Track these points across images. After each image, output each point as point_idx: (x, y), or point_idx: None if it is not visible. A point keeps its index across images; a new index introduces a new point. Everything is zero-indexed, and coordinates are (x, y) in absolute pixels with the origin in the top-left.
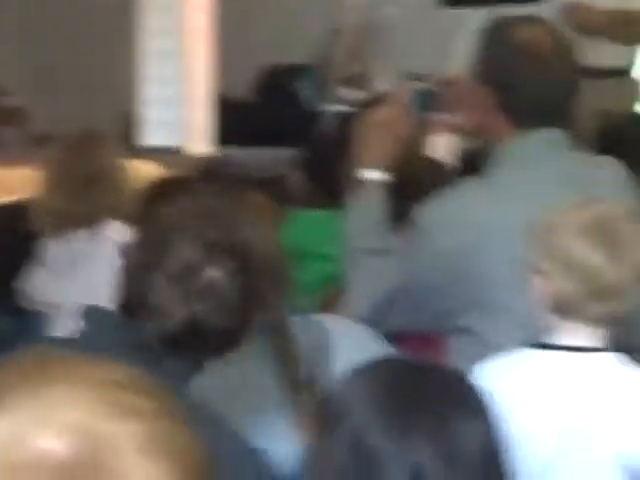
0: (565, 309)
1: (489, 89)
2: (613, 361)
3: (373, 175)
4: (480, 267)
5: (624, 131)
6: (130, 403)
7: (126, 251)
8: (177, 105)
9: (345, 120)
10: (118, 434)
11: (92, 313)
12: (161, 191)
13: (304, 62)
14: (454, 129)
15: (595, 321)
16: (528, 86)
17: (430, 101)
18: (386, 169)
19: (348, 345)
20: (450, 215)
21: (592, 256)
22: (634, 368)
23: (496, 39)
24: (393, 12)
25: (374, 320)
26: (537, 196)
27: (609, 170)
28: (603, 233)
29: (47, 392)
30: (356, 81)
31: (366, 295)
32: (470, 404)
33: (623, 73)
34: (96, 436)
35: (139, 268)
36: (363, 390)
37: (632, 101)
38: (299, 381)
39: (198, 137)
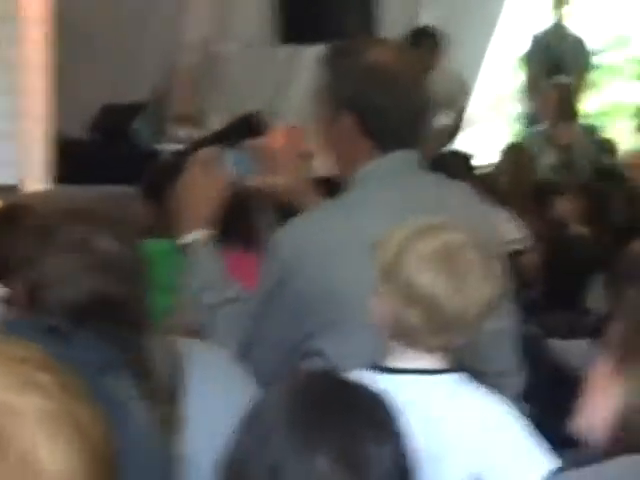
0: (404, 335)
1: (345, 116)
2: (455, 382)
3: (197, 236)
4: (334, 288)
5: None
6: (35, 379)
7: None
8: (14, 142)
9: (181, 158)
10: (21, 405)
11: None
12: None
13: (141, 100)
14: (272, 190)
15: (433, 349)
16: (381, 107)
17: (248, 163)
18: (207, 226)
19: (202, 369)
20: (304, 239)
21: (435, 286)
22: (477, 388)
23: (344, 65)
24: (231, 49)
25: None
26: (387, 216)
27: (460, 192)
28: (448, 263)
29: None
30: (192, 119)
31: (227, 345)
32: (381, 425)
33: None
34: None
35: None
36: (277, 400)
37: None
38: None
39: (36, 175)
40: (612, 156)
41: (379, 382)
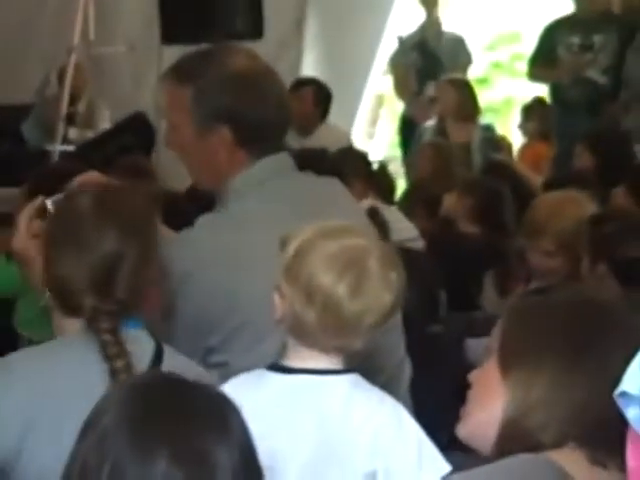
0: (301, 334)
1: (219, 128)
2: (349, 383)
3: None
4: (235, 299)
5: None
6: None
7: None
8: None
9: (69, 159)
10: None
11: None
12: None
13: (28, 102)
14: None
15: (329, 350)
16: (255, 117)
17: None
18: None
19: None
20: (199, 252)
21: (335, 287)
22: (369, 389)
23: (210, 76)
24: (118, 50)
25: None
26: (274, 218)
27: (338, 189)
28: (350, 267)
29: None
30: (81, 120)
31: None
32: (221, 426)
33: None
34: None
35: None
36: (116, 402)
37: None
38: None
39: None
40: (504, 153)
41: (274, 381)
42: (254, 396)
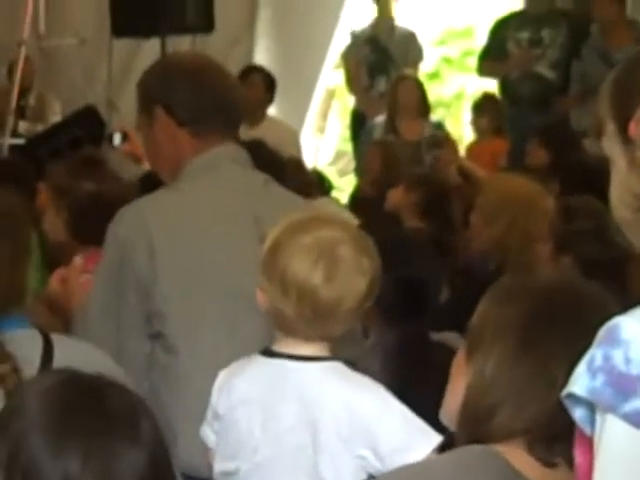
0: (283, 325)
1: (156, 110)
2: (332, 369)
3: None
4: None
5: None
6: None
7: None
8: None
9: (21, 153)
10: None
11: None
12: None
13: None
14: None
15: (311, 338)
16: (186, 97)
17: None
18: None
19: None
20: (146, 218)
21: (309, 276)
22: (352, 374)
23: (150, 68)
24: (68, 43)
25: None
26: (216, 203)
27: (275, 185)
28: (323, 256)
29: None
30: (32, 114)
31: None
32: (134, 428)
33: None
34: None
35: None
36: (32, 402)
37: None
38: None
39: None
40: (446, 149)
41: (264, 364)
42: (241, 376)
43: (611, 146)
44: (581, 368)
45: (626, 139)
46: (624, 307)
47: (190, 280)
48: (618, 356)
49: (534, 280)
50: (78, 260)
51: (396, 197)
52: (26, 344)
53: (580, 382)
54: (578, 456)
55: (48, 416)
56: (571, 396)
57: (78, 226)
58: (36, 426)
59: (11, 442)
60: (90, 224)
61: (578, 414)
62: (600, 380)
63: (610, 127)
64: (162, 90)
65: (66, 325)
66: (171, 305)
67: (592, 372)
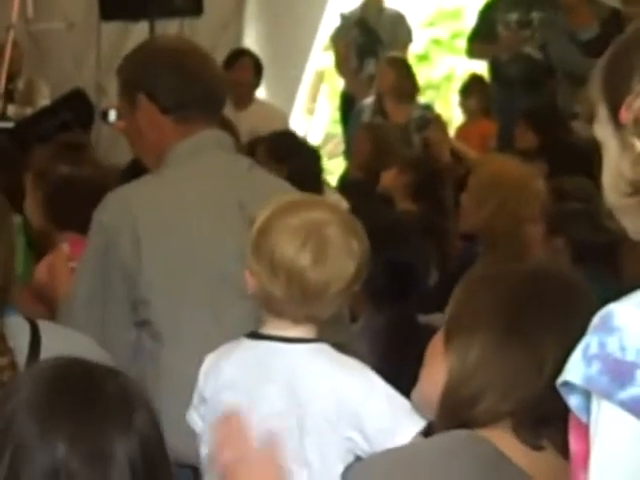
0: (271, 307)
1: (139, 98)
2: (319, 351)
3: None
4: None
5: None
6: None
7: None
8: None
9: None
10: None
11: None
12: None
13: None
14: None
15: (299, 320)
16: (168, 83)
17: None
18: None
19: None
20: (133, 203)
21: (297, 258)
22: (339, 356)
23: (131, 55)
24: (57, 27)
25: None
26: (201, 189)
27: (256, 166)
28: (311, 237)
29: None
30: (20, 97)
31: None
32: (125, 415)
33: None
34: None
35: None
36: (25, 385)
37: None
38: None
39: None
40: (434, 130)
41: (250, 347)
42: (228, 359)
43: (603, 131)
44: (576, 356)
45: (618, 124)
46: (616, 292)
47: (175, 267)
48: (613, 343)
49: (513, 265)
50: (65, 247)
51: (389, 179)
52: (14, 332)
53: (575, 370)
54: (574, 444)
55: (39, 397)
56: (566, 384)
57: (52, 210)
58: (26, 406)
59: (3, 421)
60: (64, 208)
61: (574, 402)
62: (596, 368)
63: (602, 112)
64: (144, 77)
65: (52, 314)
66: (156, 292)
67: (587, 360)
